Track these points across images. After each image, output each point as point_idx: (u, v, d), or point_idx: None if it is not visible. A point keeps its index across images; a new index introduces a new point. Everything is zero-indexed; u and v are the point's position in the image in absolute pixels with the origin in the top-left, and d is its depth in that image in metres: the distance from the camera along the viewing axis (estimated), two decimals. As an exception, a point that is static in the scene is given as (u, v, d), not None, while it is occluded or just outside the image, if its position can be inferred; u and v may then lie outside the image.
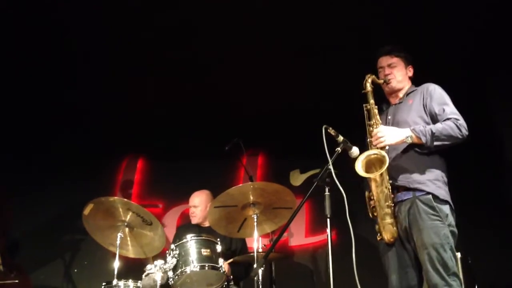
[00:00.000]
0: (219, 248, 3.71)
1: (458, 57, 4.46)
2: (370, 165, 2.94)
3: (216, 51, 4.61)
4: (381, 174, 2.94)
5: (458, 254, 3.70)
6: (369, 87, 3.15)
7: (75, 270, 5.04)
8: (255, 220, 3.62)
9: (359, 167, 2.89)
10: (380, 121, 3.11)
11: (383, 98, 3.34)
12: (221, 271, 3.61)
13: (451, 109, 3.00)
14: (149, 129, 5.30)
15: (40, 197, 5.13)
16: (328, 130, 2.86)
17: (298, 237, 5.18)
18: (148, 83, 4.96)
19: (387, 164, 2.87)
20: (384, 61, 3.26)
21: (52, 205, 5.16)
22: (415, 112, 3.09)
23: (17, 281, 3.29)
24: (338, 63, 4.55)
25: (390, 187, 2.95)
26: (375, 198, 2.99)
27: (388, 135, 2.97)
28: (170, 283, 3.57)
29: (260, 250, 3.82)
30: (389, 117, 3.19)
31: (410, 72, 3.29)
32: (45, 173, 5.20)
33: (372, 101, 3.13)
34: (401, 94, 3.25)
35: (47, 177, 5.20)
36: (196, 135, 5.29)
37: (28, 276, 3.57)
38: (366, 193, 3.08)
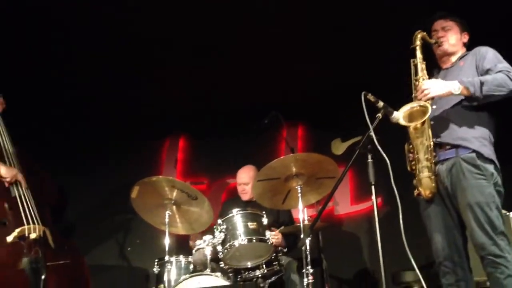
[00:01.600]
0: (265, 220, 3.75)
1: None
2: (412, 118, 2.89)
3: (252, 24, 4.56)
4: (422, 124, 2.87)
5: (511, 214, 3.62)
6: (418, 42, 3.08)
7: (128, 249, 5.22)
8: (299, 191, 3.63)
9: (401, 118, 2.85)
10: (427, 77, 3.04)
11: (435, 65, 3.25)
12: (269, 243, 3.67)
13: (504, 65, 2.89)
14: (188, 108, 5.34)
15: (91, 179, 5.29)
16: (368, 97, 2.80)
17: (344, 205, 5.18)
18: (181, 63, 4.98)
19: (429, 113, 2.82)
20: (438, 24, 3.16)
21: (102, 187, 5.32)
22: (466, 73, 2.98)
23: (68, 261, 3.42)
24: (376, 34, 4.46)
25: (432, 142, 2.90)
26: (414, 150, 2.93)
27: (433, 86, 2.89)
28: (219, 257, 3.65)
29: (306, 220, 3.84)
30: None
31: (465, 38, 3.18)
32: (94, 156, 5.34)
33: (420, 56, 3.07)
34: (453, 59, 3.15)
35: (96, 159, 5.35)
36: (234, 110, 5.31)
37: (81, 256, 3.70)
38: (406, 146, 3.02)
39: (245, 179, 4.43)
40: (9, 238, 3.26)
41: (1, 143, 3.56)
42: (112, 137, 5.39)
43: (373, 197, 2.73)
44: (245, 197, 4.46)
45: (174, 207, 3.89)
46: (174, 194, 3.83)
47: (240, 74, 5.03)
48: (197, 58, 4.91)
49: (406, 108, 2.90)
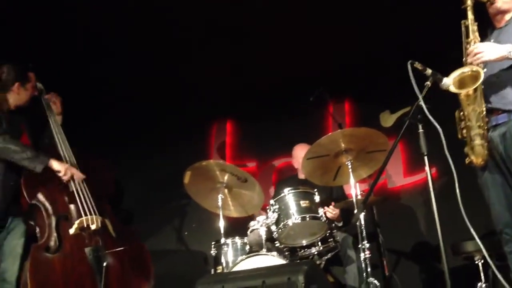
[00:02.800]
0: (317, 198, 3.75)
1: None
2: (463, 84, 2.76)
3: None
4: (475, 91, 2.76)
5: None
6: (469, 1, 2.90)
7: (186, 233, 5.36)
8: (350, 166, 3.60)
9: (451, 84, 2.73)
10: (479, 39, 2.88)
11: (489, 24, 3.07)
12: (322, 220, 3.66)
13: None
14: (233, 90, 5.36)
15: (146, 167, 5.41)
16: (415, 65, 2.70)
17: (397, 178, 5.08)
18: (224, 46, 4.99)
19: (481, 79, 2.69)
20: None
21: (157, 174, 5.42)
22: None
23: (126, 247, 3.56)
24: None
25: (484, 108, 2.78)
26: (466, 117, 2.83)
27: (487, 50, 2.73)
28: (274, 237, 3.69)
29: (359, 195, 3.80)
30: (492, 41, 2.93)
31: None
32: (147, 143, 5.46)
33: (471, 17, 2.89)
34: (507, 17, 2.96)
35: (149, 146, 5.47)
36: (279, 90, 5.27)
37: (141, 241, 3.86)
38: (457, 113, 2.91)
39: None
40: (71, 231, 3.46)
41: (57, 141, 3.72)
42: (162, 124, 5.49)
43: (427, 167, 2.67)
44: (302, 175, 4.40)
45: (226, 190, 3.95)
46: (225, 177, 3.89)
47: (283, 53, 4.98)
48: (239, 39, 4.89)
49: (456, 74, 2.77)
